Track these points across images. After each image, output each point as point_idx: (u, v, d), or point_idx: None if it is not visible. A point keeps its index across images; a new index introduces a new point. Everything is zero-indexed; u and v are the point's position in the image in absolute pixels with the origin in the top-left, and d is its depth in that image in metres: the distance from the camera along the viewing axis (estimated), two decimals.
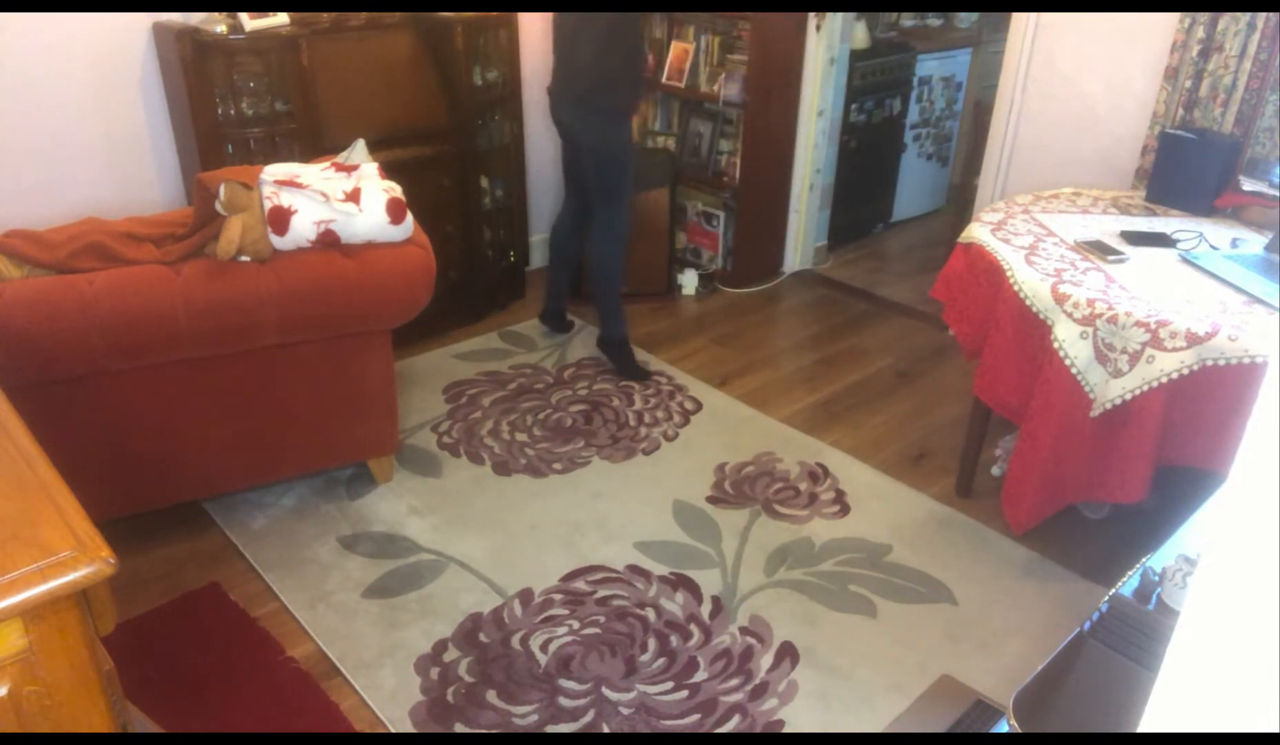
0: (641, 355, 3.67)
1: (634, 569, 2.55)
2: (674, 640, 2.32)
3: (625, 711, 2.12)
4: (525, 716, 2.11)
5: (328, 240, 2.42)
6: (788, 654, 2.29)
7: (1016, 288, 2.42)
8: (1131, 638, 1.44)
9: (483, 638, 2.31)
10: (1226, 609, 0.68)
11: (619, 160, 3.28)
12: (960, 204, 4.46)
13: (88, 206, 3.12)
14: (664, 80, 4.21)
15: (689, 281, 4.28)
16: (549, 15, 4.08)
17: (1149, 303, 2.25)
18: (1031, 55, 3.37)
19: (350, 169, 2.53)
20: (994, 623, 2.40)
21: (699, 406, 3.34)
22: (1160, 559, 1.54)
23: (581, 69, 3.20)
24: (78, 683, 1.17)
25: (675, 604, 2.43)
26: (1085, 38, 3.22)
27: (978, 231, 2.70)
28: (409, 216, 2.51)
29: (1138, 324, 2.18)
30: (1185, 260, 2.51)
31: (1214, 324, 2.14)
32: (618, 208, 3.36)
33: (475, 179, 3.72)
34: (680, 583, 2.50)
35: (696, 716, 2.11)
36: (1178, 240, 2.63)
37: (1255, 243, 2.62)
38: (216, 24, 3.03)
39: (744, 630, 2.35)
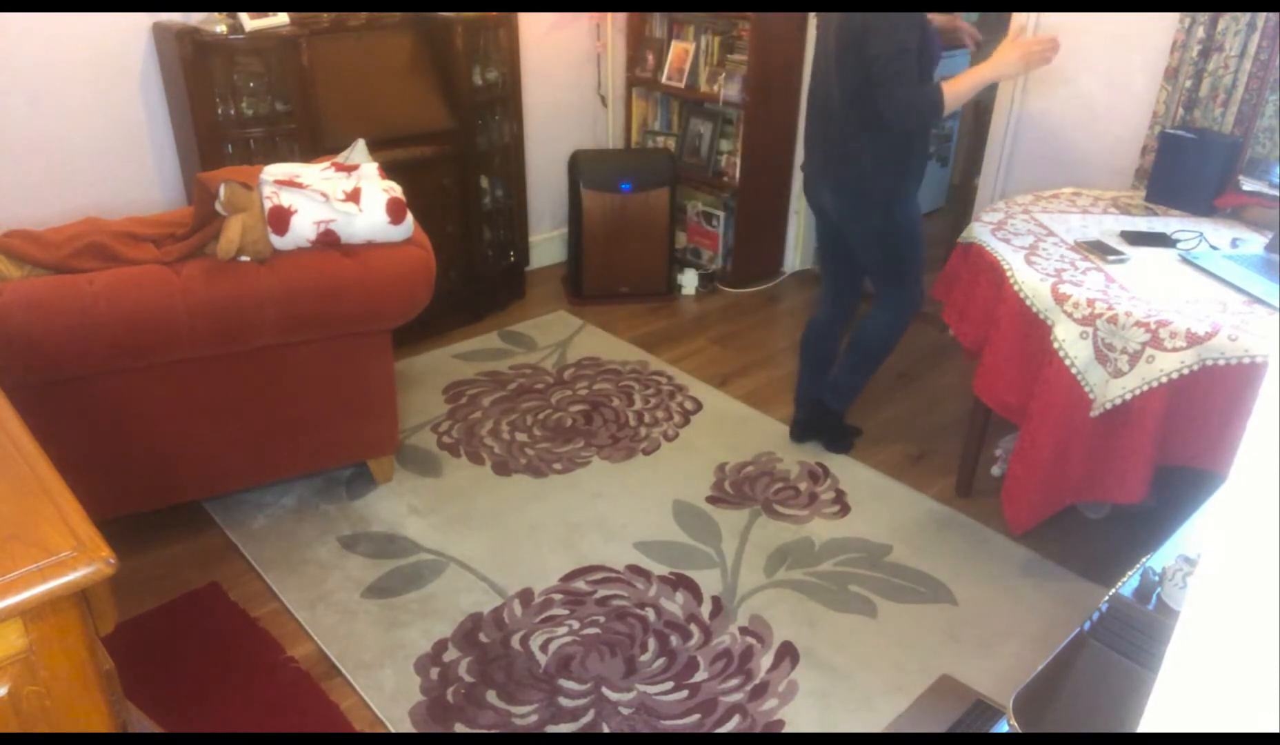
0: (643, 356, 3.68)
1: (634, 569, 2.55)
2: (674, 640, 2.32)
3: (625, 711, 2.12)
4: (525, 716, 2.11)
5: (328, 240, 2.42)
6: (788, 654, 2.29)
7: (1016, 288, 2.42)
8: (1131, 638, 1.44)
9: (483, 638, 2.31)
10: (1226, 609, 0.68)
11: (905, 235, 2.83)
12: (960, 204, 4.46)
13: (88, 206, 3.12)
14: (664, 80, 4.21)
15: (689, 281, 4.28)
16: (551, 15, 4.09)
17: (1149, 303, 2.25)
18: None
19: (350, 169, 2.53)
20: (994, 623, 2.40)
21: (699, 406, 3.34)
22: (1160, 559, 1.54)
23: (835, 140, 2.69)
24: (78, 683, 1.17)
25: (675, 604, 2.43)
26: (1085, 38, 3.22)
27: (978, 231, 2.70)
28: (409, 216, 2.51)
29: (1138, 324, 2.18)
30: (1185, 260, 2.51)
31: (1214, 324, 2.13)
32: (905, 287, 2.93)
33: (475, 179, 3.72)
34: (680, 583, 2.50)
35: (696, 716, 2.11)
36: (1178, 240, 2.63)
37: (1255, 243, 2.62)
38: (216, 24, 3.03)
39: (744, 630, 2.35)
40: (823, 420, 3.10)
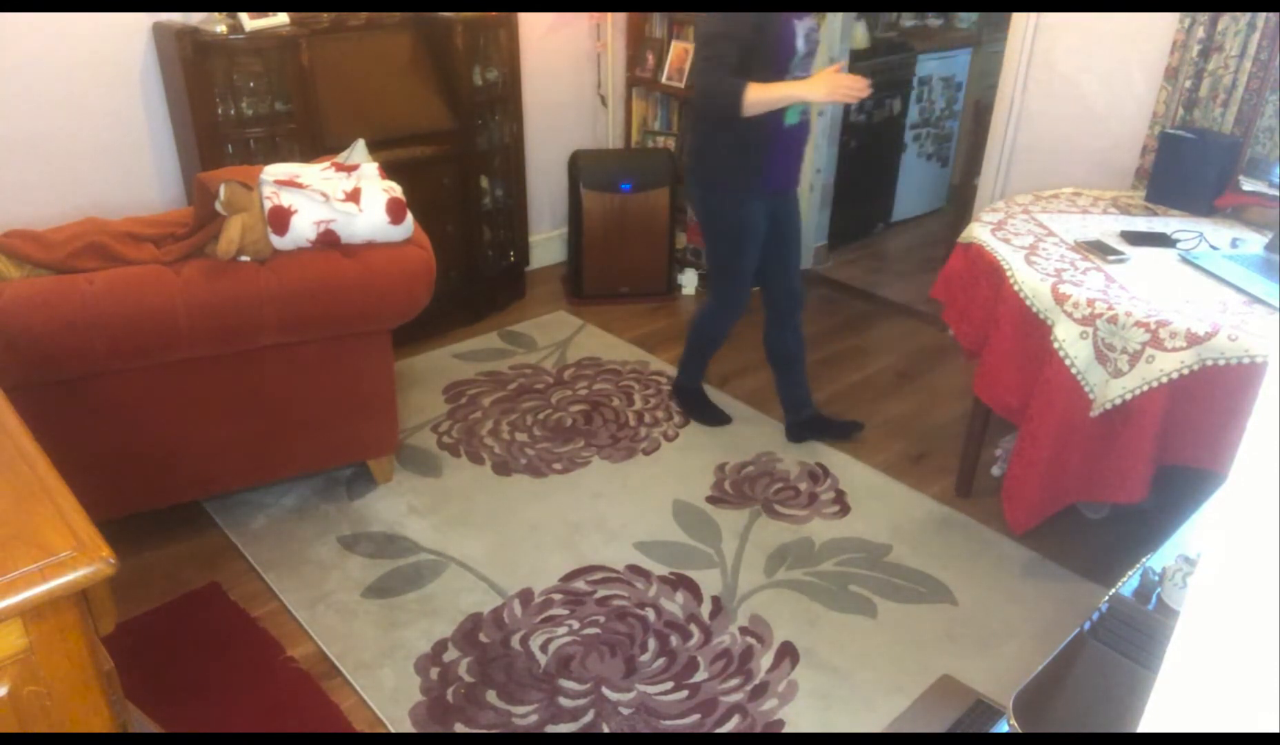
0: (643, 356, 3.68)
1: (634, 569, 2.55)
2: (674, 640, 2.32)
3: (625, 711, 2.12)
4: (525, 716, 2.11)
5: (328, 240, 2.42)
6: (788, 654, 2.29)
7: (1016, 288, 2.42)
8: (1131, 638, 1.44)
9: (483, 638, 2.31)
10: (1226, 609, 0.68)
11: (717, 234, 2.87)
12: (960, 204, 4.46)
13: (88, 206, 3.12)
14: (664, 80, 4.21)
15: (689, 281, 4.28)
16: (551, 15, 4.09)
17: (1149, 303, 2.25)
18: (1031, 55, 3.37)
19: (350, 169, 2.53)
20: (994, 623, 2.40)
21: None
22: (1160, 559, 1.54)
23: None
24: (78, 683, 1.17)
25: (675, 604, 2.43)
26: (1085, 38, 3.22)
27: (978, 231, 2.70)
28: (409, 216, 2.51)
29: (1138, 324, 2.18)
30: (1185, 260, 2.51)
31: (1214, 324, 2.13)
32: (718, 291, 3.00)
33: (475, 179, 3.72)
34: (680, 583, 2.50)
35: (696, 716, 2.11)
36: (1178, 240, 2.63)
37: (1255, 243, 2.62)
38: (216, 24, 3.03)
39: (744, 630, 2.35)
40: (813, 420, 3.15)
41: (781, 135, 2.66)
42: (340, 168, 2.53)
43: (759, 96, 2.48)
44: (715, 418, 3.24)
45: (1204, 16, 2.86)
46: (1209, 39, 2.88)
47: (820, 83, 2.49)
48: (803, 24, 2.59)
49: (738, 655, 2.28)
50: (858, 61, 4.42)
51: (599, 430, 3.18)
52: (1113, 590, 1.50)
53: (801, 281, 3.06)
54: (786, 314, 3.02)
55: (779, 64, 2.56)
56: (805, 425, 3.15)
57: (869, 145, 4.75)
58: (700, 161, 2.76)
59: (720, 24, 2.48)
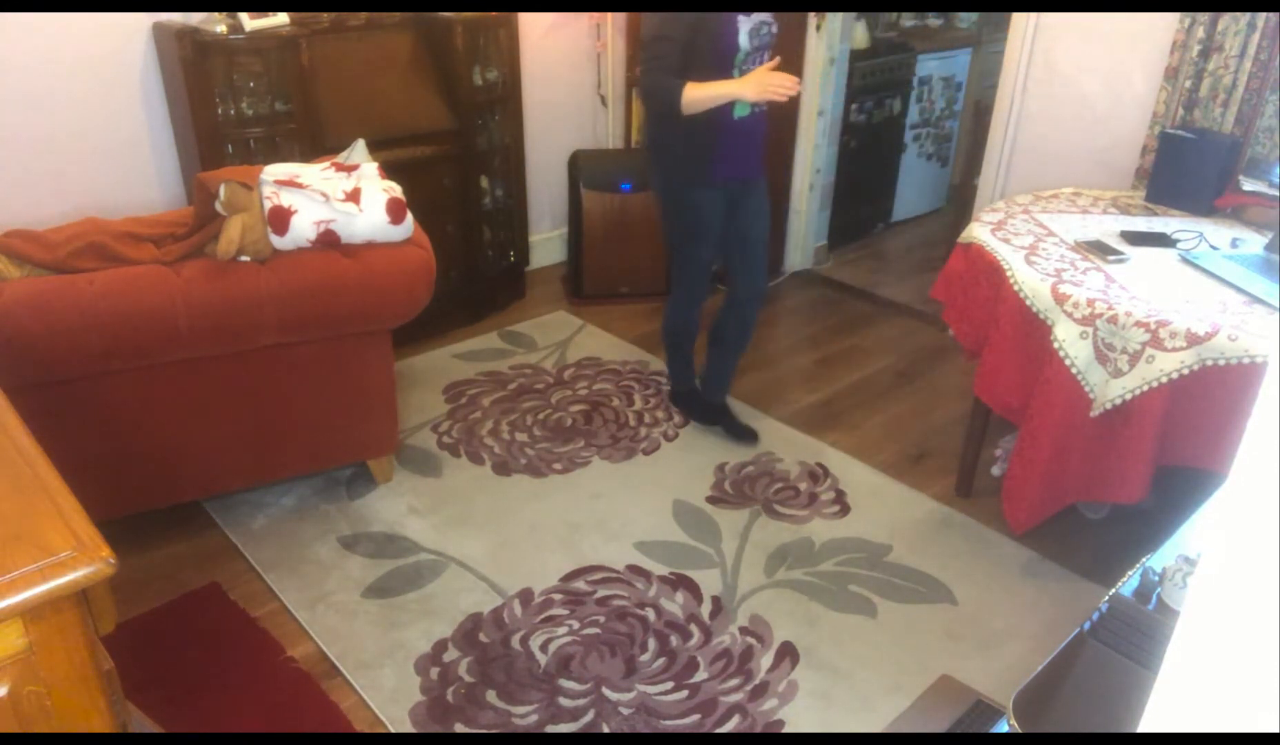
0: (643, 356, 3.68)
1: (634, 569, 2.55)
2: (674, 640, 2.32)
3: (625, 711, 2.12)
4: (525, 716, 2.11)
5: (328, 240, 2.42)
6: (788, 654, 2.29)
7: (1016, 288, 2.42)
8: (1131, 638, 1.44)
9: (483, 638, 2.31)
10: (1226, 609, 0.68)
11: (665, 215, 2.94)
12: (960, 204, 4.46)
13: (88, 206, 3.12)
14: None
15: None
16: (551, 15, 4.09)
17: (1149, 303, 2.25)
18: (1031, 55, 3.37)
19: (350, 169, 2.53)
20: (994, 623, 2.40)
21: None
22: (1160, 559, 1.54)
23: None
24: (78, 683, 1.17)
25: (675, 604, 2.43)
26: (1085, 38, 3.22)
27: (978, 231, 2.69)
28: (409, 216, 2.51)
29: (1138, 324, 2.18)
30: (1185, 260, 2.51)
31: (1214, 324, 2.13)
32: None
33: (475, 179, 3.72)
34: (680, 583, 2.50)
35: (696, 716, 2.11)
36: (1178, 240, 2.63)
37: (1255, 243, 2.62)
38: (216, 24, 3.03)
39: (744, 630, 2.35)
40: (714, 408, 3.22)
41: (730, 127, 2.72)
42: (340, 168, 2.53)
43: (695, 96, 2.58)
44: (713, 416, 3.24)
45: (1204, 16, 2.86)
46: (1209, 39, 2.88)
47: (750, 81, 2.57)
48: (749, 21, 2.63)
49: (738, 655, 2.28)
50: (858, 61, 4.42)
51: (599, 430, 3.18)
52: (1113, 590, 1.50)
53: (765, 279, 3.11)
54: (740, 302, 3.05)
55: (721, 62, 2.62)
56: (704, 408, 3.22)
57: (869, 145, 4.75)
58: (654, 152, 2.87)
59: (659, 25, 2.58)
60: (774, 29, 2.70)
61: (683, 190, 2.82)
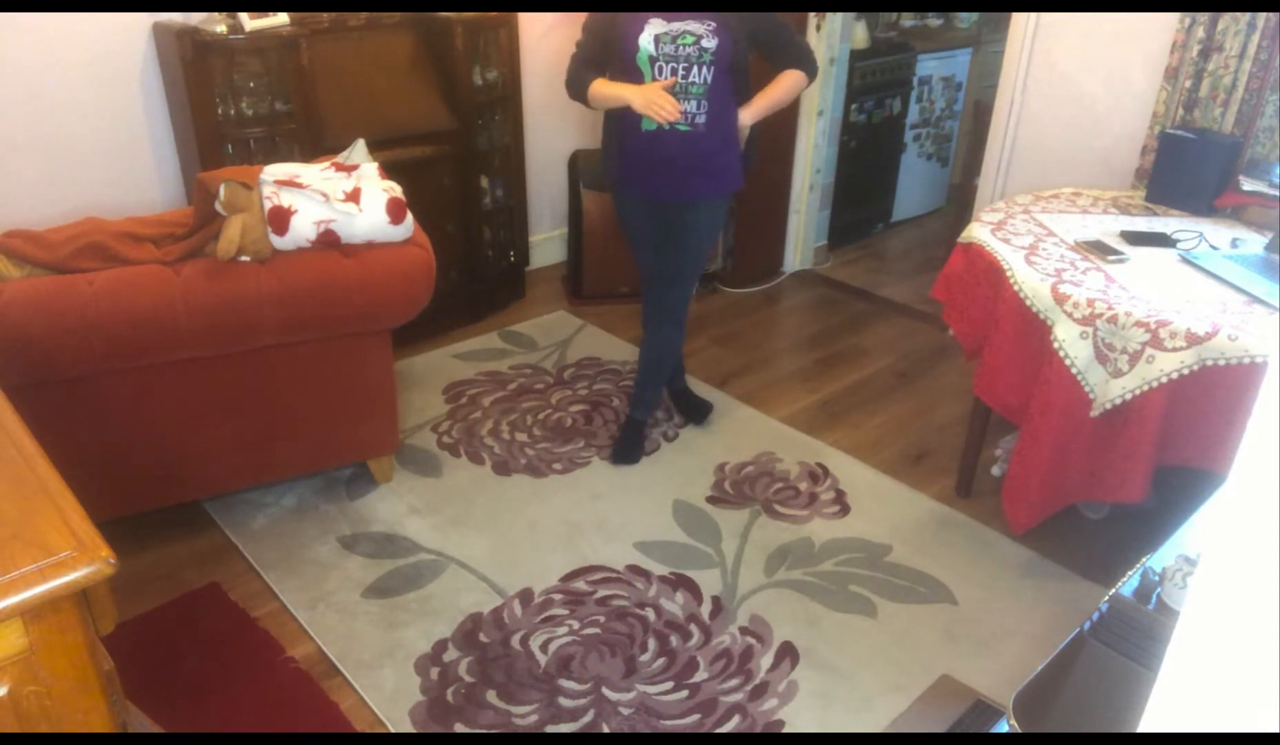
0: None
1: (634, 569, 2.55)
2: (674, 640, 2.32)
3: (625, 711, 2.12)
4: (525, 716, 2.10)
5: (328, 240, 2.42)
6: (788, 654, 2.29)
7: (1016, 288, 2.42)
8: (1131, 638, 1.44)
9: (483, 638, 2.31)
10: (1226, 609, 0.68)
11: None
12: (960, 204, 4.46)
13: (88, 206, 3.12)
14: None
15: None
16: (551, 15, 4.09)
17: (1149, 303, 2.25)
18: (1031, 55, 3.37)
19: (350, 169, 2.53)
20: (994, 623, 2.40)
21: None
22: (1160, 559, 1.54)
23: None
24: (78, 683, 1.17)
25: (675, 604, 2.43)
26: (1085, 38, 3.22)
27: (978, 231, 2.69)
28: (409, 216, 2.51)
29: (1138, 324, 2.18)
30: (1185, 260, 2.51)
31: (1214, 324, 2.13)
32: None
33: (475, 179, 3.72)
34: (680, 583, 2.50)
35: (696, 716, 2.11)
36: (1178, 240, 2.63)
37: (1255, 243, 2.62)
38: (216, 24, 3.03)
39: (744, 630, 2.35)
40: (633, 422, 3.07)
41: (637, 139, 2.65)
42: (340, 168, 2.53)
43: (597, 92, 2.64)
44: (700, 409, 3.24)
45: (1204, 16, 2.86)
46: (1209, 39, 2.88)
47: (639, 92, 2.54)
48: (660, 26, 2.53)
49: (738, 655, 2.28)
50: (858, 61, 4.42)
51: (599, 430, 3.18)
52: (1113, 590, 1.50)
53: (681, 308, 2.91)
54: (648, 318, 2.96)
55: (625, 64, 2.62)
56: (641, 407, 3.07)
57: (869, 145, 4.75)
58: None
59: (587, 20, 2.69)
60: (704, 42, 2.52)
61: (613, 193, 2.88)
